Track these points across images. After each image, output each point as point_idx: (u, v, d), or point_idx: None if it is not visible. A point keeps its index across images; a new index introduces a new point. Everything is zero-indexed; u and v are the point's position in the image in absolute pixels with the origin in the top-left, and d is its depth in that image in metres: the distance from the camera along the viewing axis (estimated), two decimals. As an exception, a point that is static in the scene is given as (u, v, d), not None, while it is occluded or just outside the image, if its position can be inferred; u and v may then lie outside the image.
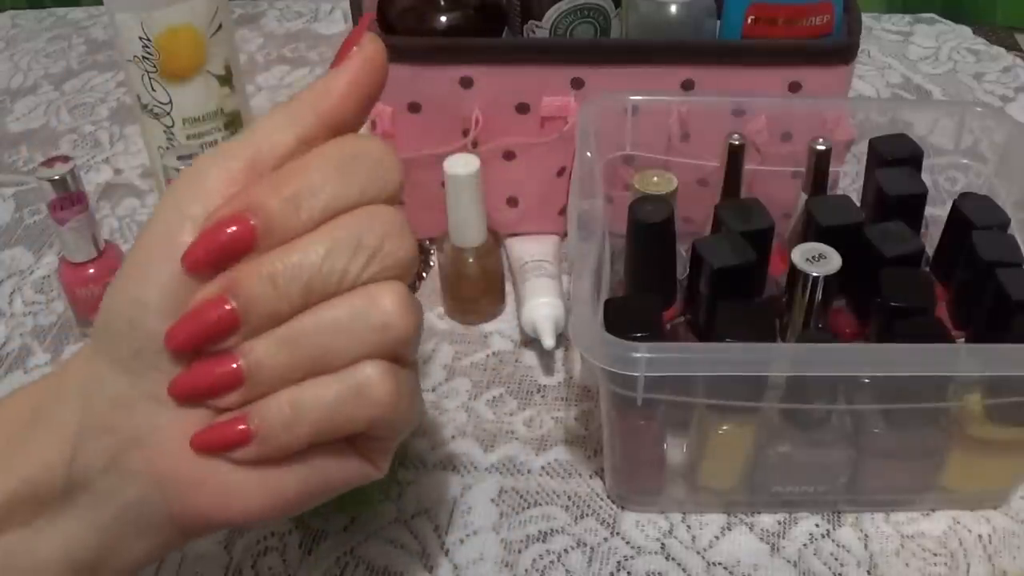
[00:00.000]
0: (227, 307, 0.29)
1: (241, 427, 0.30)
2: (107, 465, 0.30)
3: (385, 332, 0.30)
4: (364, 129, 0.68)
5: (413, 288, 0.61)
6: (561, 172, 0.61)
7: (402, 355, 0.31)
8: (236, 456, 0.30)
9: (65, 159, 0.52)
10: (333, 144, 0.30)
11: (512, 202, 0.62)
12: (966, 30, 0.92)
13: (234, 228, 0.29)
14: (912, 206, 0.50)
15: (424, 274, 0.64)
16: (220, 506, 0.31)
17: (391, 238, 0.30)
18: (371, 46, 0.31)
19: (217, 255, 0.29)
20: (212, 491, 0.31)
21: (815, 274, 0.44)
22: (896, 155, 0.52)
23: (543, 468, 0.52)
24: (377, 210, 0.30)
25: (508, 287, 0.62)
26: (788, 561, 0.47)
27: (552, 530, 0.48)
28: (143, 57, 0.61)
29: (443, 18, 0.59)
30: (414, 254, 0.31)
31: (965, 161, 0.56)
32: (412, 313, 0.30)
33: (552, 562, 0.47)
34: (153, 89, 0.62)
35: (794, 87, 0.57)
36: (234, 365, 0.29)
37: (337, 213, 0.29)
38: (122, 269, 0.30)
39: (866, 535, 0.48)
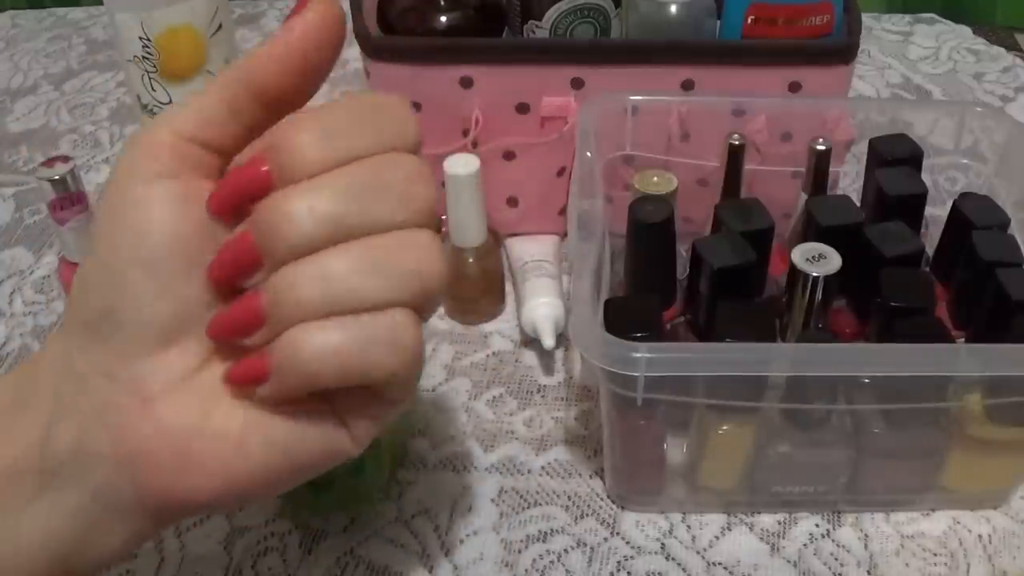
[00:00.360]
0: (251, 240, 0.28)
1: (263, 362, 0.29)
2: (74, 447, 0.30)
3: (417, 279, 0.29)
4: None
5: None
6: (561, 172, 0.61)
7: (427, 307, 0.30)
8: (257, 393, 0.29)
9: (65, 159, 0.52)
10: (351, 96, 0.30)
11: (512, 202, 0.62)
12: (966, 30, 0.92)
13: (257, 167, 0.28)
14: (912, 206, 0.50)
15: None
16: (182, 485, 0.30)
17: (417, 183, 0.29)
18: (317, 9, 0.30)
19: (241, 196, 0.29)
20: (173, 468, 0.30)
21: (815, 274, 0.44)
22: (896, 155, 0.52)
23: (543, 468, 0.52)
24: (400, 156, 0.30)
25: (508, 287, 0.62)
26: (788, 561, 0.47)
27: (552, 530, 0.48)
28: (143, 57, 0.61)
29: (443, 18, 0.59)
30: (436, 202, 0.30)
31: (965, 161, 0.56)
32: (443, 263, 0.30)
33: (552, 562, 0.47)
34: (153, 89, 0.62)
35: (794, 87, 0.57)
36: (259, 301, 0.28)
37: (359, 156, 0.29)
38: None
39: (866, 535, 0.48)
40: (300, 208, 0.28)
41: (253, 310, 0.28)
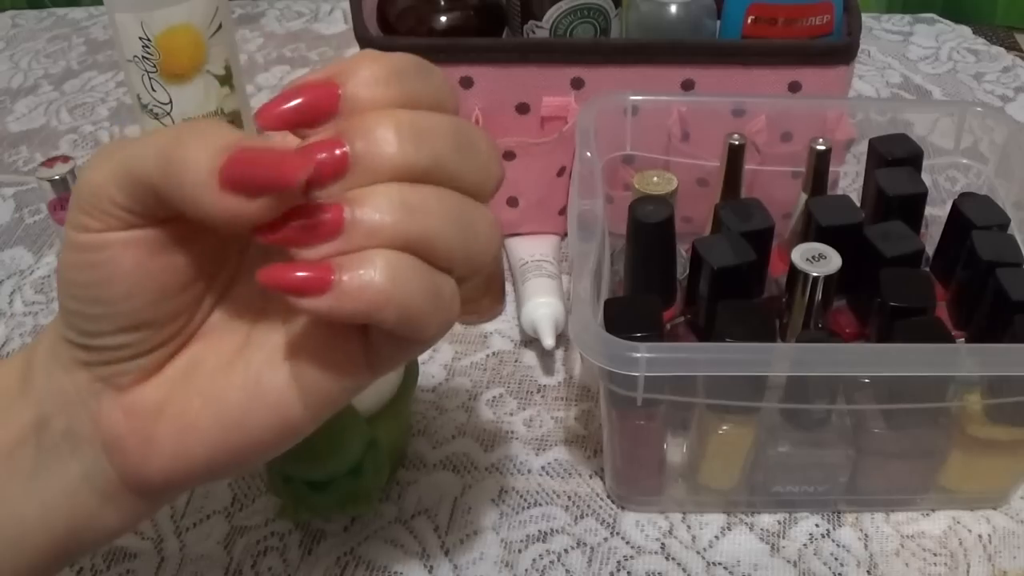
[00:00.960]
0: (344, 148, 0.26)
1: (326, 274, 0.26)
2: (65, 429, 0.31)
3: (481, 252, 0.28)
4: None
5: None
6: (561, 172, 0.61)
7: (466, 279, 0.30)
8: (303, 304, 0.27)
9: (65, 159, 0.53)
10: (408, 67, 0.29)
11: (512, 202, 0.62)
12: (966, 30, 0.92)
13: (324, 91, 0.27)
14: (912, 206, 0.51)
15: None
16: (147, 467, 0.31)
17: (495, 158, 0.29)
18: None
19: (298, 117, 0.27)
20: (139, 452, 0.31)
21: (815, 274, 0.44)
22: (896, 155, 0.52)
23: (543, 468, 0.52)
24: (482, 130, 0.30)
25: (508, 287, 0.62)
26: (788, 561, 0.47)
27: (552, 530, 0.48)
28: (143, 57, 0.61)
29: (443, 18, 0.59)
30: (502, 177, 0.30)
31: (965, 161, 0.56)
32: (501, 241, 0.30)
33: (552, 562, 0.47)
34: (153, 89, 0.62)
35: (794, 87, 0.57)
36: (337, 214, 0.26)
37: (431, 106, 0.28)
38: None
39: (866, 535, 0.48)
40: (407, 130, 0.27)
41: (335, 218, 0.26)
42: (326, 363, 0.30)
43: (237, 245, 0.32)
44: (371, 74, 0.28)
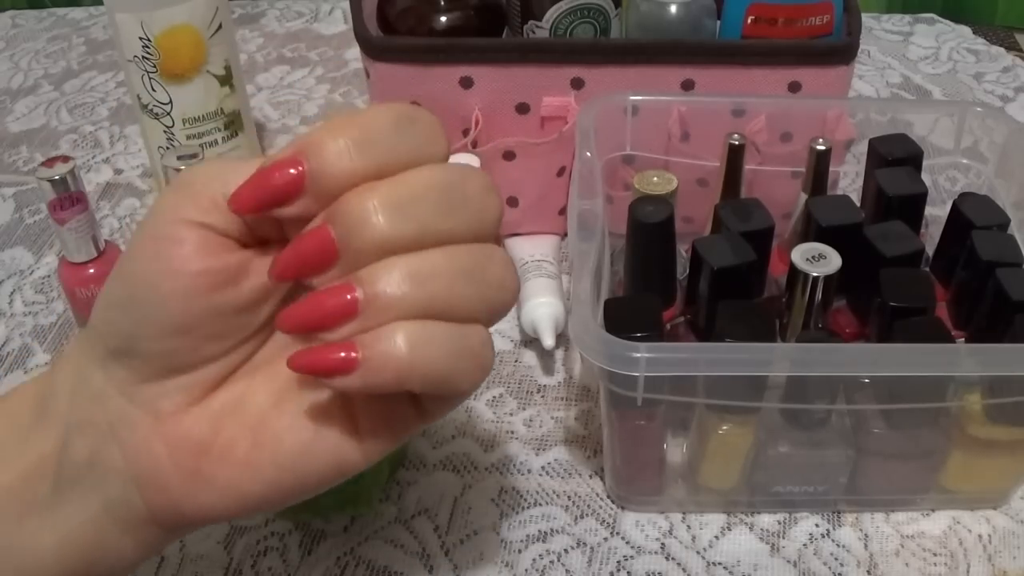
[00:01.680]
0: (329, 234, 0.27)
1: (350, 354, 0.27)
2: (90, 460, 0.30)
3: (500, 293, 0.29)
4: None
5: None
6: (561, 172, 0.61)
7: (494, 323, 0.30)
8: (334, 384, 0.28)
9: (65, 159, 0.52)
10: (387, 114, 0.29)
11: (512, 202, 0.62)
12: (966, 30, 0.92)
13: (288, 171, 0.28)
14: (912, 206, 0.50)
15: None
16: (191, 502, 0.31)
17: (490, 196, 0.29)
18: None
19: (265, 200, 0.28)
20: (182, 486, 0.30)
21: (815, 274, 0.44)
22: (896, 155, 0.52)
23: (543, 468, 0.52)
24: (473, 169, 0.29)
25: (508, 287, 0.62)
26: (788, 561, 0.47)
27: (552, 530, 0.48)
28: (143, 57, 0.61)
29: (443, 18, 0.59)
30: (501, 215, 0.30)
31: (965, 161, 0.56)
32: (517, 280, 0.30)
33: (552, 562, 0.47)
34: (153, 89, 0.62)
35: (794, 87, 0.57)
36: (350, 296, 0.27)
37: (408, 165, 0.28)
38: (112, 272, 0.31)
39: (866, 535, 0.48)
40: (386, 204, 0.27)
41: (347, 301, 0.27)
42: (380, 422, 0.31)
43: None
44: (341, 147, 0.28)
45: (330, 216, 0.28)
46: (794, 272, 0.45)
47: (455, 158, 0.55)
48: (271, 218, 0.29)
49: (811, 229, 0.48)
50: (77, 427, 0.31)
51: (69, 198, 0.52)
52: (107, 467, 0.31)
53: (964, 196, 0.51)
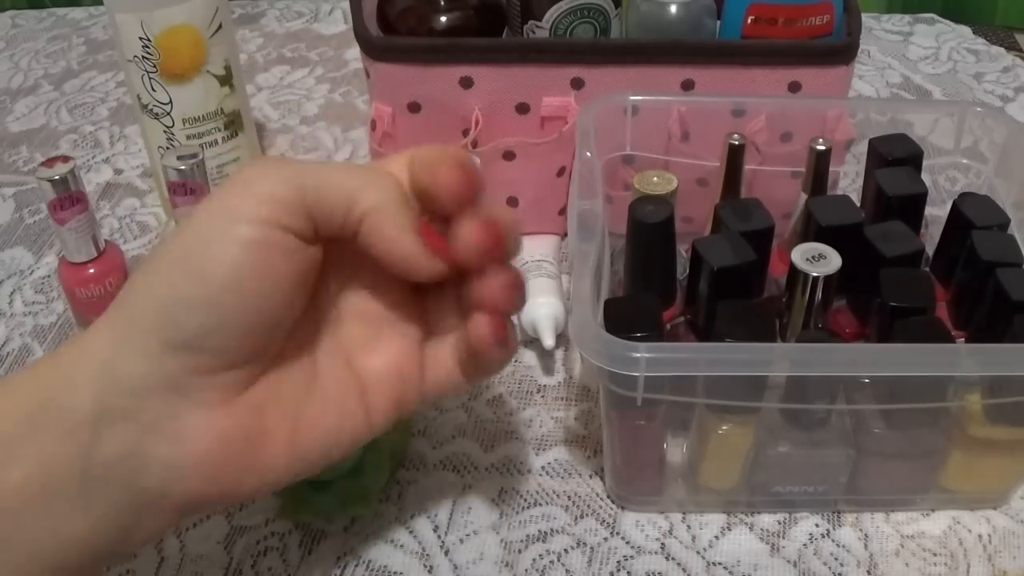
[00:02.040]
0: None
1: (507, 332, 0.36)
2: (128, 452, 0.31)
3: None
4: (363, 131, 0.68)
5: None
6: (561, 172, 0.61)
7: None
8: (491, 356, 0.36)
9: (65, 159, 0.52)
10: None
11: (512, 202, 0.62)
12: (966, 30, 0.92)
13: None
14: (912, 206, 0.51)
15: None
16: (237, 486, 0.33)
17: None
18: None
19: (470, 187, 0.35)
20: (231, 470, 0.32)
21: (815, 274, 0.44)
22: (896, 155, 0.52)
23: (543, 468, 0.52)
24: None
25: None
26: (788, 561, 0.47)
27: (552, 530, 0.48)
28: (143, 57, 0.61)
29: (443, 18, 0.59)
30: None
31: (965, 161, 0.56)
32: None
33: (552, 562, 0.47)
34: (153, 89, 0.62)
35: (794, 87, 0.57)
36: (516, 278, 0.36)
37: None
38: (158, 263, 0.32)
39: (866, 535, 0.48)
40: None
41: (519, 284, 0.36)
42: (389, 403, 0.37)
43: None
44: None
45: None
46: (794, 272, 0.45)
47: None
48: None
49: (811, 229, 0.48)
50: (110, 420, 0.31)
51: (69, 198, 0.52)
52: (147, 460, 0.31)
53: (964, 196, 0.51)
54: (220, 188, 0.32)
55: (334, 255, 0.36)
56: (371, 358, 0.37)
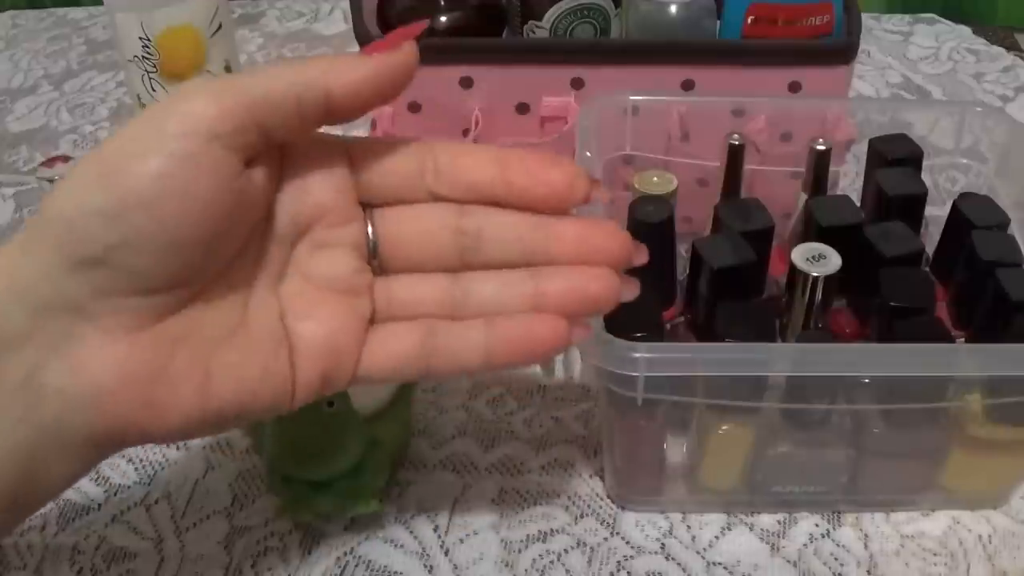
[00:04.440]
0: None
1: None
2: (23, 380, 0.29)
3: None
4: (364, 130, 0.68)
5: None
6: (561, 172, 0.61)
7: None
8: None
9: (65, 159, 0.53)
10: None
11: (512, 202, 0.62)
12: (966, 30, 0.92)
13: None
14: (912, 206, 0.51)
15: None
16: (141, 424, 0.30)
17: None
18: (408, 54, 0.32)
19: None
20: (133, 407, 0.30)
21: (815, 274, 0.44)
22: (896, 155, 0.52)
23: (543, 468, 0.52)
24: None
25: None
26: (788, 561, 0.47)
27: (552, 530, 0.48)
28: (143, 57, 0.61)
29: (443, 18, 0.59)
30: None
31: (965, 161, 0.56)
32: None
33: (552, 562, 0.47)
34: (153, 89, 0.62)
35: (794, 87, 0.57)
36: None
37: None
38: (74, 175, 0.29)
39: (866, 535, 0.48)
40: None
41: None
42: (318, 371, 0.33)
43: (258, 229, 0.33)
44: None
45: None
46: (794, 272, 0.45)
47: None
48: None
49: (811, 229, 0.48)
50: (8, 344, 0.28)
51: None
52: (46, 387, 0.29)
53: (964, 196, 0.51)
54: (156, 103, 0.30)
55: (296, 199, 0.33)
56: (305, 323, 0.33)
